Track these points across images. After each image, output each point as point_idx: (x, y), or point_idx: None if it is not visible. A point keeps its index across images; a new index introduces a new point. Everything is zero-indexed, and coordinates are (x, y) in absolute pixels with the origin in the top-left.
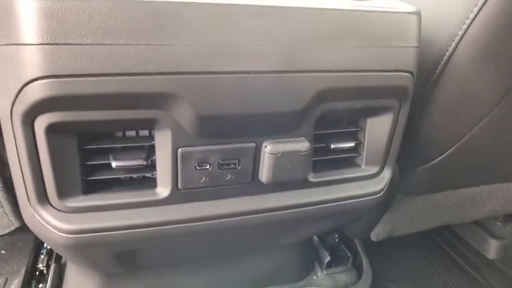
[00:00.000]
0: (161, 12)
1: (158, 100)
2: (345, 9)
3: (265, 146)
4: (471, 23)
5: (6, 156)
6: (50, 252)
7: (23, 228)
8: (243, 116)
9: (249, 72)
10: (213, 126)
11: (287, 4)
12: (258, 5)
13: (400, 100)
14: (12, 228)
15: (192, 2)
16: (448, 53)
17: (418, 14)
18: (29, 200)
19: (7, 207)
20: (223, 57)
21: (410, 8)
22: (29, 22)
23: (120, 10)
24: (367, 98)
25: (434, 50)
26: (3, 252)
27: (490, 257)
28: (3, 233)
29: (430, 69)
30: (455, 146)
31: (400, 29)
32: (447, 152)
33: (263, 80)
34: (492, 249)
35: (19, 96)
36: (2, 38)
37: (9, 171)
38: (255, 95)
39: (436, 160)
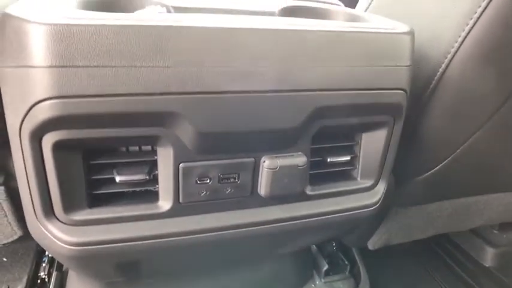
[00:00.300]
0: (164, 36)
1: (161, 118)
2: (341, 31)
3: (264, 161)
4: (463, 40)
5: (11, 167)
6: (51, 260)
7: (25, 236)
8: (243, 133)
9: (248, 91)
10: (213, 143)
11: (284, 27)
12: (256, 28)
13: (394, 116)
14: (15, 237)
15: (193, 27)
16: (441, 70)
17: (411, 33)
18: (35, 213)
19: (11, 217)
20: (224, 77)
21: (404, 28)
22: (39, 46)
23: (125, 34)
24: (362, 115)
25: (429, 66)
26: (4, 259)
27: (487, 265)
28: (6, 242)
29: (424, 84)
30: (451, 157)
31: (394, 49)
32: (442, 164)
33: (262, 99)
34: (489, 257)
35: (28, 115)
36: (13, 60)
37: (14, 182)
38: (254, 113)
39: (431, 172)
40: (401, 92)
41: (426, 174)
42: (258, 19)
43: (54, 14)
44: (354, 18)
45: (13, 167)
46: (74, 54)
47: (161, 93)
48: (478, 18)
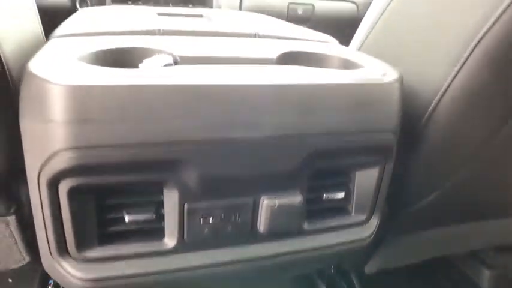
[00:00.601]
0: (172, 93)
1: (169, 165)
2: (335, 83)
3: (263, 200)
4: (451, 82)
5: (22, 197)
6: (56, 283)
7: (33, 260)
8: (243, 176)
9: (248, 139)
10: (216, 185)
11: (282, 82)
12: (255, 85)
13: (385, 156)
14: (24, 262)
15: (195, 85)
16: (433, 104)
17: (400, 80)
18: (50, 250)
19: (20, 244)
20: (226, 127)
21: (394, 75)
22: (59, 104)
23: (135, 92)
24: (355, 156)
25: (419, 103)
26: (10, 280)
27: (484, 287)
28: (15, 267)
29: (417, 116)
30: (445, 186)
31: (384, 96)
32: (435, 193)
33: (261, 145)
34: (486, 278)
35: (46, 163)
36: (34, 114)
37: (25, 211)
38: (254, 158)
39: (425, 201)
40: (391, 134)
41: (420, 203)
42: (257, 70)
43: (73, 74)
44: (347, 65)
45: (25, 197)
46: (90, 110)
47: (170, 143)
48: (467, 59)
